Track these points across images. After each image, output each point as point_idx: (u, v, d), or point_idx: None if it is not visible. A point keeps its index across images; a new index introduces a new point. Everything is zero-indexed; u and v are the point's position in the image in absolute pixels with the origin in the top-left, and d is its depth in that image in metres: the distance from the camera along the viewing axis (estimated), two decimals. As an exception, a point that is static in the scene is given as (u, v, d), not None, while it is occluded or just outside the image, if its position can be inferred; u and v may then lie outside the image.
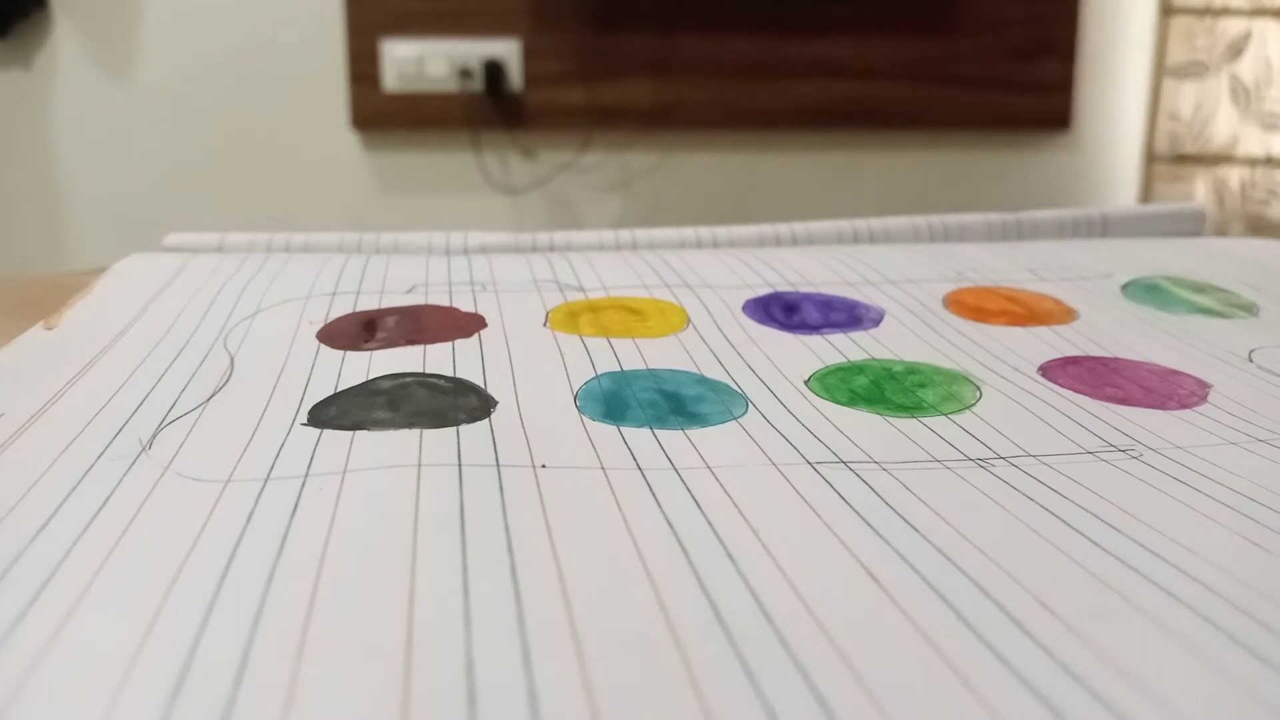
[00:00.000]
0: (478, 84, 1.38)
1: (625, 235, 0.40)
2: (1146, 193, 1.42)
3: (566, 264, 0.35)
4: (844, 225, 0.40)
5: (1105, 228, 0.42)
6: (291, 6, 1.38)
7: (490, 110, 1.39)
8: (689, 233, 0.40)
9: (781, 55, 1.40)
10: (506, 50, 1.38)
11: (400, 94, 1.39)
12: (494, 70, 1.37)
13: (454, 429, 0.21)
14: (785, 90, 1.41)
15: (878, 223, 0.40)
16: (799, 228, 0.40)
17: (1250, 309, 0.31)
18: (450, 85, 1.38)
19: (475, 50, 1.38)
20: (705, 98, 1.41)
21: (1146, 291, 0.33)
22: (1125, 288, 0.33)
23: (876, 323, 0.30)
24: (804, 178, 1.46)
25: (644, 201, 1.44)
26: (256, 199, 1.41)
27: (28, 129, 1.41)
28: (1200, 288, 0.33)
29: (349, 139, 1.42)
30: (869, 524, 0.17)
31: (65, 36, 1.39)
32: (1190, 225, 0.43)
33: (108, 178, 1.42)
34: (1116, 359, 0.27)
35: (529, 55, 1.39)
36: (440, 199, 1.42)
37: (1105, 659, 0.14)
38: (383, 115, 1.40)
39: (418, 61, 1.38)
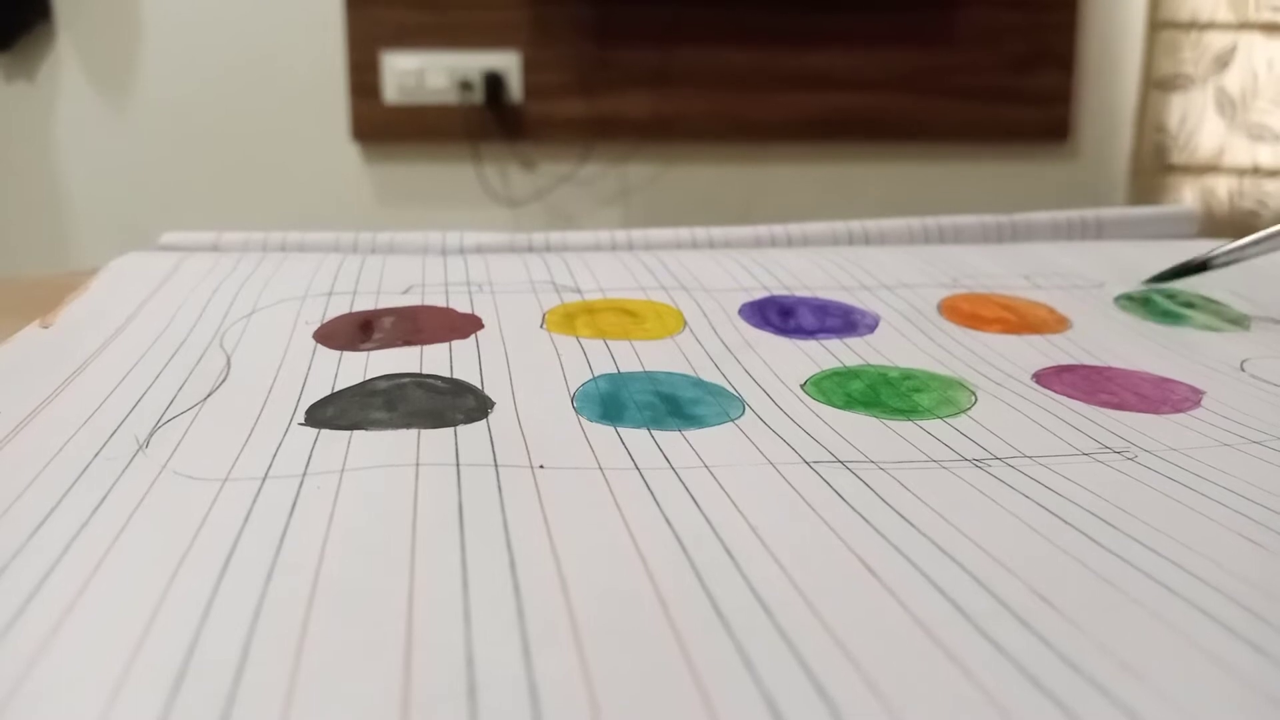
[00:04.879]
0: (478, 96, 1.38)
1: (621, 235, 0.40)
2: (1143, 203, 1.43)
3: (563, 265, 0.35)
4: (839, 226, 0.40)
5: (1099, 230, 0.42)
6: (292, 18, 1.39)
7: (490, 122, 1.40)
8: (684, 233, 0.40)
9: (780, 67, 1.40)
10: (506, 62, 1.39)
11: (400, 106, 1.39)
12: (494, 82, 1.38)
13: (451, 429, 0.21)
14: (784, 102, 1.41)
15: (873, 224, 0.41)
16: (794, 229, 0.40)
17: (1241, 322, 0.32)
18: (450, 97, 1.39)
19: (475, 62, 1.38)
20: (704, 109, 1.41)
21: (1139, 304, 0.33)
22: (1118, 299, 0.34)
23: (872, 329, 0.30)
24: (803, 189, 1.46)
25: (643, 213, 1.45)
26: (256, 210, 1.41)
27: (31, 140, 1.41)
28: (1192, 301, 0.33)
29: (349, 151, 1.42)
30: (866, 520, 0.17)
31: (69, 49, 1.39)
32: (1182, 228, 0.43)
33: (109, 190, 1.42)
34: (1110, 368, 0.27)
35: (529, 67, 1.39)
36: (440, 211, 1.43)
37: (1104, 649, 0.14)
38: (383, 127, 1.40)
39: (418, 73, 1.38)
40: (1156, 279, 0.34)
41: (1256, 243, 0.32)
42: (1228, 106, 1.34)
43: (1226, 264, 0.33)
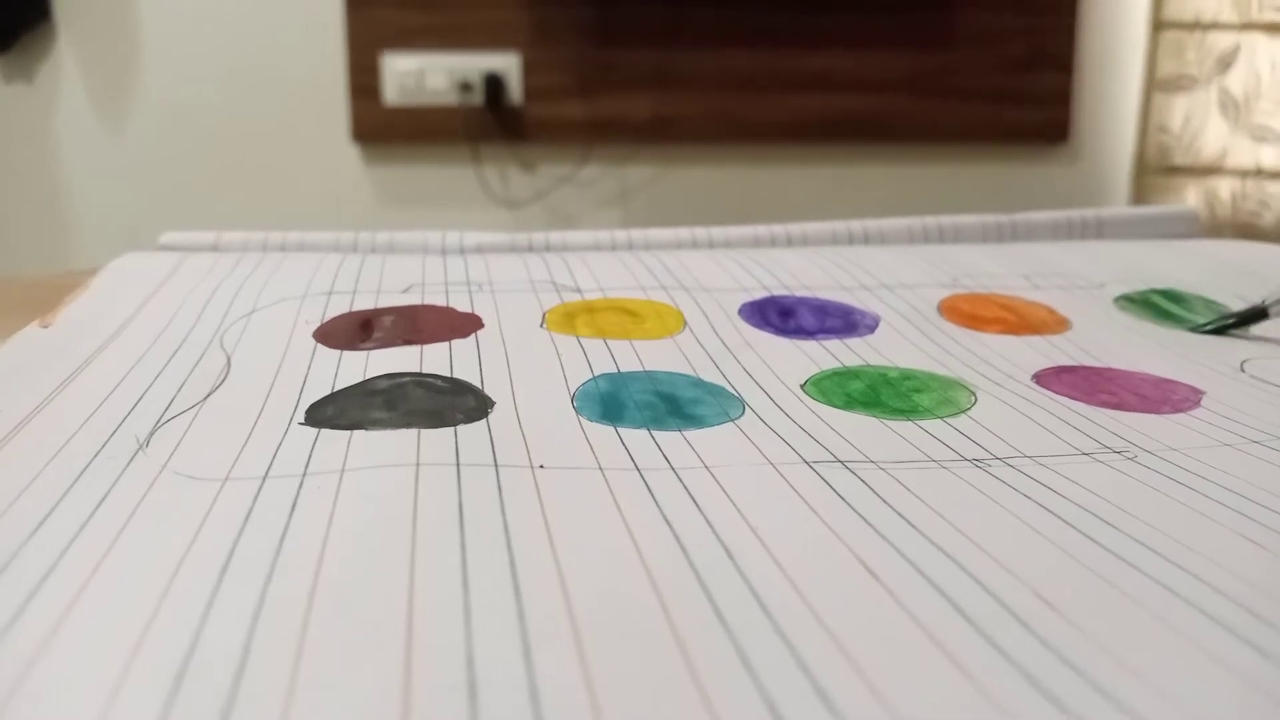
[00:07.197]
0: (478, 97, 1.38)
1: (621, 235, 0.40)
2: (1145, 204, 1.43)
3: (563, 264, 0.35)
4: (839, 226, 0.40)
5: (1100, 230, 0.42)
6: (293, 20, 1.38)
7: (490, 123, 1.39)
8: (684, 233, 0.40)
9: (780, 69, 1.40)
10: (506, 64, 1.39)
11: (400, 107, 1.39)
12: (494, 83, 1.38)
13: (452, 429, 0.21)
14: (784, 103, 1.41)
15: (873, 224, 0.41)
16: (794, 228, 0.40)
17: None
18: (450, 98, 1.39)
19: (475, 64, 1.38)
20: (704, 111, 1.41)
21: (1140, 305, 0.33)
22: (1118, 300, 0.33)
23: (872, 329, 0.30)
24: (803, 191, 1.46)
25: (643, 214, 1.45)
26: (257, 211, 1.41)
27: (31, 140, 1.41)
28: (1192, 304, 0.33)
29: (349, 152, 1.42)
30: (866, 521, 0.17)
31: (69, 49, 1.39)
32: (1183, 228, 0.43)
33: (109, 191, 1.42)
34: (1110, 369, 0.27)
35: (529, 69, 1.39)
36: (440, 212, 1.43)
37: (1104, 649, 0.14)
38: (383, 128, 1.40)
39: (418, 75, 1.38)
40: (1208, 330, 0.31)
41: None
42: (1231, 108, 1.34)
43: None
